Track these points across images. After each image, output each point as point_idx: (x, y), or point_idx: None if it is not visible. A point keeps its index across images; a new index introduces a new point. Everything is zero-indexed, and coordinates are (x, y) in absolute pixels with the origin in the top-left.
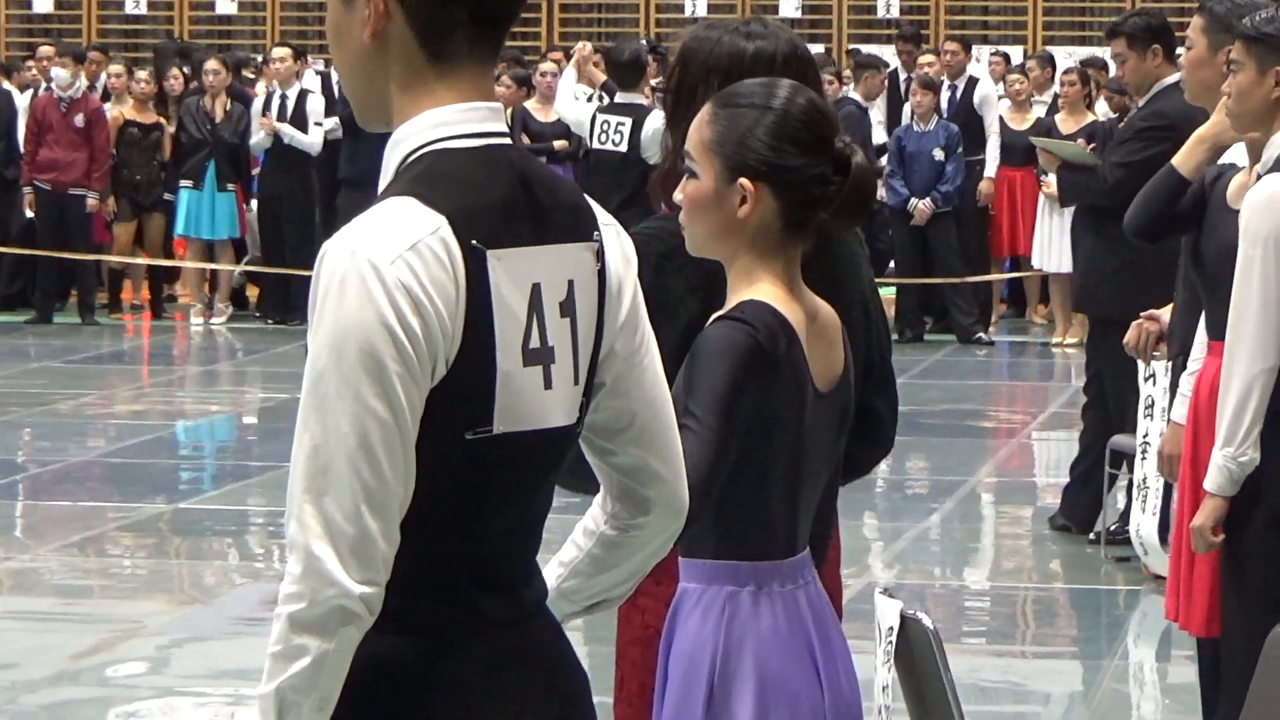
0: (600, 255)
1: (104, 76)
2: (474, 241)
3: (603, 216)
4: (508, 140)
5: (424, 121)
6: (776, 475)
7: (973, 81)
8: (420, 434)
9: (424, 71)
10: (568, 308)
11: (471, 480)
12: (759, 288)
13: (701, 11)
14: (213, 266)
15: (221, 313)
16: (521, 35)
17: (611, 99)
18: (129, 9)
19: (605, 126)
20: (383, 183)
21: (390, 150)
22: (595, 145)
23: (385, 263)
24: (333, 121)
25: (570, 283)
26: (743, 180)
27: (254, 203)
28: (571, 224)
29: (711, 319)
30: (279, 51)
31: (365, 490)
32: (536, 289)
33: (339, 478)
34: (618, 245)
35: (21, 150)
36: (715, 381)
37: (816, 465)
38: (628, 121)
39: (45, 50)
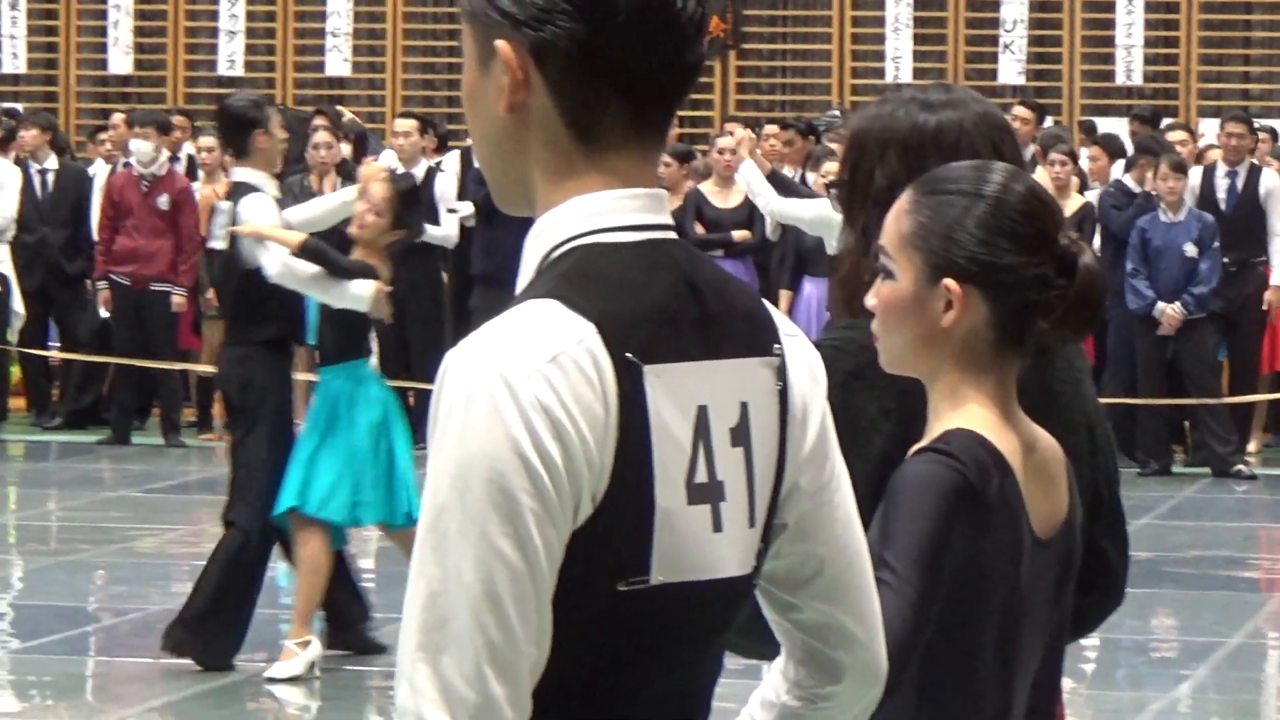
0: (782, 372)
1: (188, 148)
2: (628, 354)
3: (785, 326)
4: (672, 234)
5: (572, 210)
6: (988, 638)
7: (1256, 170)
8: (560, 584)
9: (570, 153)
10: (741, 435)
11: (622, 640)
12: (966, 412)
13: (905, 76)
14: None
15: None
16: (692, 104)
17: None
18: (221, 69)
19: None
20: (521, 281)
21: (531, 243)
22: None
23: (520, 377)
24: (467, 206)
25: (744, 405)
26: (947, 281)
27: None
28: (747, 335)
29: (911, 451)
30: (403, 124)
31: (490, 649)
32: (703, 412)
33: (459, 633)
34: (803, 360)
35: (95, 238)
36: (915, 527)
37: (1036, 625)
38: None
39: (118, 119)
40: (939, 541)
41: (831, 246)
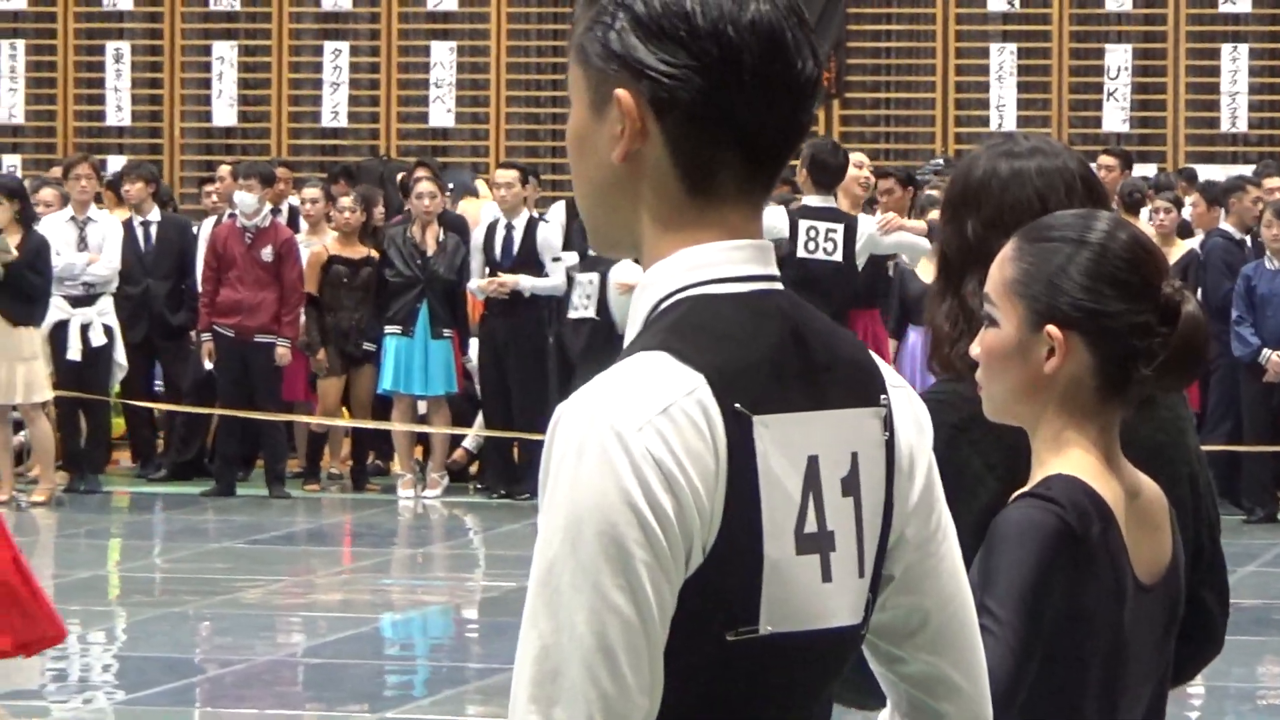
0: (889, 423)
1: (290, 200)
2: (737, 405)
3: (891, 377)
4: (779, 285)
5: (679, 262)
6: (1091, 685)
7: None
8: (671, 634)
9: (681, 205)
10: (851, 485)
11: (732, 691)
12: (1068, 458)
13: (1010, 123)
14: (426, 429)
15: (436, 484)
16: (796, 153)
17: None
18: (325, 120)
19: (813, 233)
20: (629, 333)
21: (639, 295)
22: (803, 254)
23: (631, 430)
24: (572, 256)
25: (854, 455)
26: (1050, 328)
27: (473, 352)
28: (855, 385)
29: (1013, 497)
30: (504, 174)
31: (603, 700)
32: (813, 462)
33: (572, 685)
34: (909, 411)
35: (199, 290)
36: (1017, 573)
37: (1139, 673)
38: (839, 228)
39: (223, 171)
40: (1040, 587)
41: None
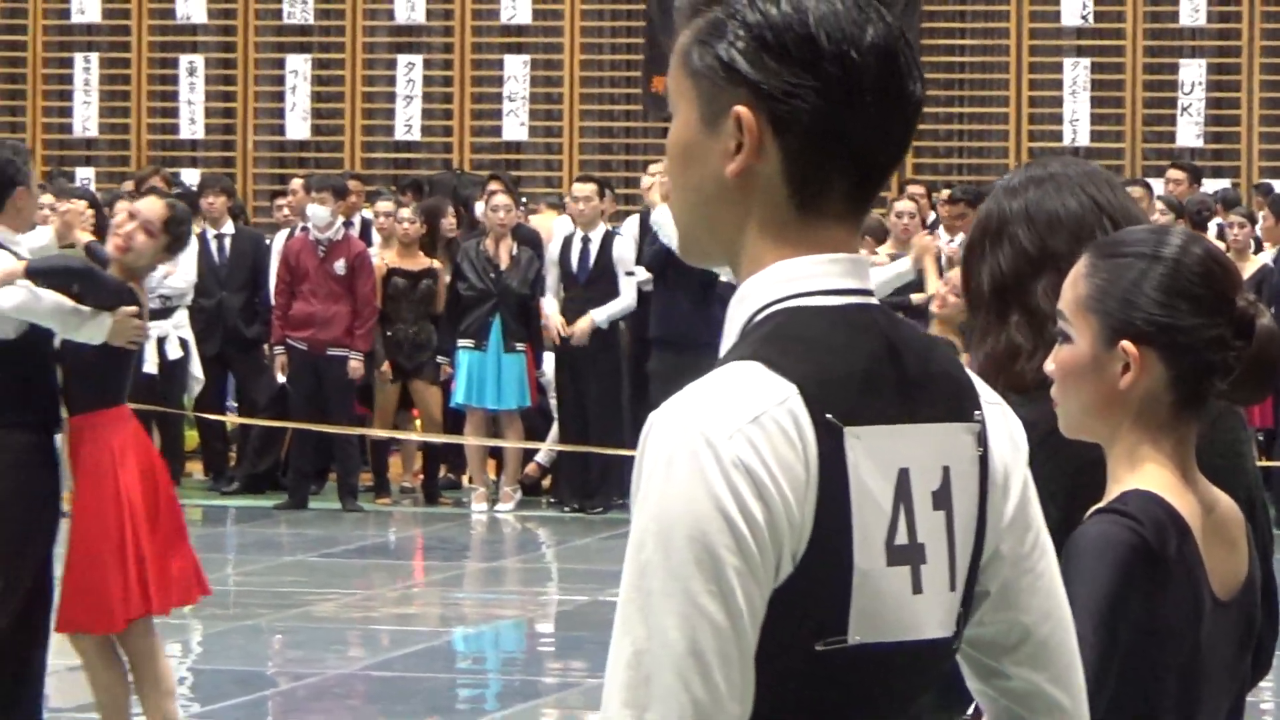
0: (982, 438)
1: (362, 213)
2: (829, 416)
3: (986, 394)
4: (873, 299)
5: (774, 275)
6: (1168, 701)
7: None
8: (760, 642)
9: (787, 221)
10: (942, 499)
11: (822, 700)
12: (1144, 473)
13: (1083, 139)
14: (499, 443)
15: (509, 498)
16: None
17: None
18: (399, 134)
19: None
20: (725, 344)
21: (735, 307)
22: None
23: (722, 437)
24: (644, 272)
25: (945, 469)
26: (1125, 344)
27: (546, 366)
28: (948, 400)
29: (1089, 513)
30: (582, 188)
31: (695, 705)
32: (904, 475)
33: (664, 691)
34: (1004, 428)
35: (271, 303)
36: (1093, 588)
37: (1216, 688)
38: None
39: (296, 184)
40: (1117, 602)
41: None
